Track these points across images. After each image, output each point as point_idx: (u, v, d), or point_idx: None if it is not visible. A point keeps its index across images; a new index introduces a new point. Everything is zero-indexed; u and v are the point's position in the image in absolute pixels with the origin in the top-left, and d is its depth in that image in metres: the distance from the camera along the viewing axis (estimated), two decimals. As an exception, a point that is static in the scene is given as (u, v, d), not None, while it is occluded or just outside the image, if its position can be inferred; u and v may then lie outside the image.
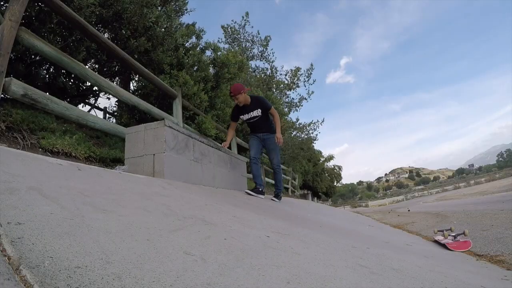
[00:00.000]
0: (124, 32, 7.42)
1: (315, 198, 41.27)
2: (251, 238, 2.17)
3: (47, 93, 4.82)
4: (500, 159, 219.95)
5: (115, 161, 5.42)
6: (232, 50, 18.16)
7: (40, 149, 4.23)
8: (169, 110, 7.99)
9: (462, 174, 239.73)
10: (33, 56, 5.95)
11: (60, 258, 1.07)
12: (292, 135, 26.12)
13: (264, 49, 24.81)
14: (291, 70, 25.37)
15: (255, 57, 24.96)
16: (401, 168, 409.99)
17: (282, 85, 24.74)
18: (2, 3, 5.51)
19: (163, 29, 8.54)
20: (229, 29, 24.39)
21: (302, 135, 27.18)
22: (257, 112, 6.81)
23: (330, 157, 45.40)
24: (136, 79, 9.74)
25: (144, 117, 8.00)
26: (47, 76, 6.52)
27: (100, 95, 8.99)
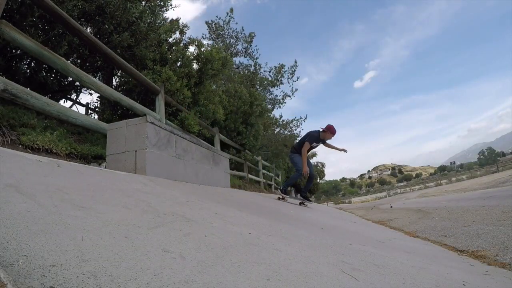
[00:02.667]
0: (107, 26, 7.36)
1: (298, 195, 41.40)
2: (232, 235, 2.16)
3: (28, 88, 4.74)
4: (481, 156, 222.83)
5: (96, 158, 5.37)
6: (216, 46, 18.15)
7: (20, 146, 4.17)
8: (151, 106, 7.94)
9: (443, 171, 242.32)
10: (13, 50, 5.87)
11: (34, 257, 1.05)
12: (276, 132, 26.17)
13: (248, 46, 24.82)
14: (275, 67, 25.38)
15: (239, 53, 24.95)
16: (383, 165, 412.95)
17: (265, 82, 24.70)
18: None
19: (146, 24, 8.48)
20: (213, 25, 24.33)
21: (286, 132, 27.27)
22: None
23: (313, 154, 45.65)
24: (119, 74, 9.68)
25: (127, 113, 7.95)
26: (28, 70, 6.43)
27: (82, 90, 8.91)
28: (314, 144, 8.72)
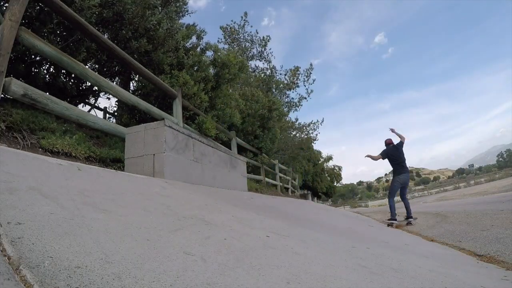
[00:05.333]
0: (124, 32, 7.41)
1: (315, 198, 41.19)
2: (251, 238, 2.17)
3: (47, 93, 4.81)
4: (500, 159, 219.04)
5: (115, 161, 5.40)
6: (232, 50, 18.15)
7: (40, 149, 4.22)
8: (169, 110, 7.97)
9: (462, 174, 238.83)
10: (33, 56, 5.95)
11: (60, 258, 1.07)
12: (292, 135, 26.11)
13: (263, 49, 24.85)
14: (290, 69, 25.28)
15: (255, 57, 24.98)
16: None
17: (281, 85, 24.65)
18: (2, 3, 5.50)
19: (164, 30, 8.52)
20: (228, 29, 24.39)
21: (302, 135, 27.17)
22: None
23: (329, 158, 45.44)
24: (136, 79, 9.72)
25: (144, 117, 7.99)
26: (47, 76, 6.51)
27: (100, 95, 8.97)
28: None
